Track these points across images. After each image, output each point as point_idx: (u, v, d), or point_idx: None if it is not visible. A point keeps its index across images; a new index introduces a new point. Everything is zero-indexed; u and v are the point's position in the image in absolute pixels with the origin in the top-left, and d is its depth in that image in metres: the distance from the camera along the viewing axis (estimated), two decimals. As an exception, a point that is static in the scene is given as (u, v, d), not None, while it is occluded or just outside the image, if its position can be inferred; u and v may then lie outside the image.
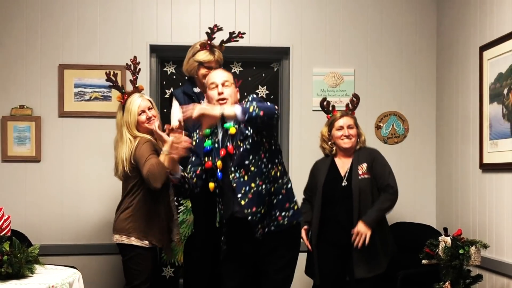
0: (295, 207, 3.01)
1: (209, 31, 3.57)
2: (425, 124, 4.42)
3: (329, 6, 4.37)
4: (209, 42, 3.57)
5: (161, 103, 4.43)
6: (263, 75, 4.52)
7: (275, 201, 2.93)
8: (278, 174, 2.95)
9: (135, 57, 3.58)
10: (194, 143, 3.03)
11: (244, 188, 2.86)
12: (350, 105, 3.65)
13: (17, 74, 4.17)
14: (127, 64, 3.59)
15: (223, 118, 2.83)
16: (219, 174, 2.91)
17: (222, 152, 2.91)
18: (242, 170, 2.87)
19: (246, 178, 2.87)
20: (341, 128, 3.48)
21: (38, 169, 4.16)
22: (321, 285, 3.49)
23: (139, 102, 3.35)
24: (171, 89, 4.46)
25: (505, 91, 3.40)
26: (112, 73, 3.50)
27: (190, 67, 3.59)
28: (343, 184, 3.44)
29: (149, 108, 3.37)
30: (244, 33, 3.65)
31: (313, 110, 4.33)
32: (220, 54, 3.58)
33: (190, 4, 4.30)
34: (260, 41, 4.32)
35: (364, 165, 3.44)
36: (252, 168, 2.87)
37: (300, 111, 4.33)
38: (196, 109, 2.70)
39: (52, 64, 4.19)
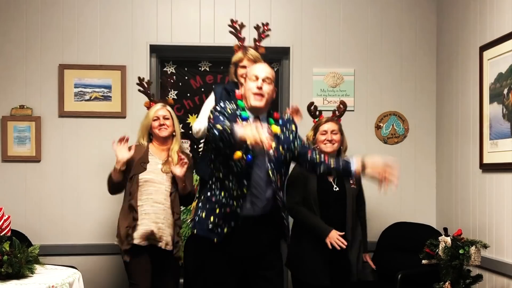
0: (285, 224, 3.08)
1: (233, 30, 3.61)
2: (425, 124, 4.42)
3: (329, 6, 4.37)
4: (240, 43, 3.60)
5: (161, 103, 4.44)
6: (263, 75, 4.51)
7: (283, 215, 2.99)
8: None
9: (171, 73, 3.72)
10: (223, 111, 2.84)
11: (275, 195, 2.90)
12: (337, 112, 3.74)
13: (17, 74, 4.17)
14: (165, 76, 3.77)
15: (270, 112, 2.93)
16: (249, 156, 2.76)
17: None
18: (278, 175, 2.89)
19: (279, 185, 2.91)
20: (325, 132, 3.57)
21: (38, 169, 4.16)
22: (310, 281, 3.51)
23: (157, 109, 3.57)
24: (172, 90, 4.46)
25: (505, 91, 3.40)
26: (146, 79, 3.75)
27: (231, 73, 3.62)
28: (334, 189, 3.51)
29: (165, 117, 3.54)
30: (267, 23, 3.69)
31: (313, 110, 4.32)
32: (254, 52, 3.56)
33: (190, 4, 4.29)
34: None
35: None
36: (283, 179, 2.95)
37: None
38: None
39: (52, 64, 4.19)
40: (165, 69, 4.45)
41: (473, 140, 3.79)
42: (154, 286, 3.50)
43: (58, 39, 4.20)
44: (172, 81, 3.73)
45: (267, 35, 3.70)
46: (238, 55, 3.55)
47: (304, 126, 4.15)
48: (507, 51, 3.37)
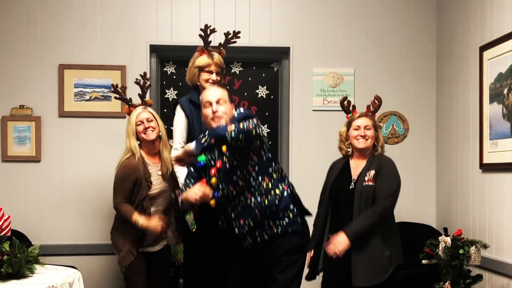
0: (291, 216, 2.95)
1: (202, 33, 3.57)
2: (425, 124, 4.42)
3: (329, 6, 4.37)
4: (206, 46, 3.56)
5: (161, 103, 4.44)
6: (263, 75, 4.52)
7: (268, 212, 2.92)
8: (270, 185, 2.93)
9: (145, 73, 3.68)
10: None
11: (233, 202, 2.92)
12: (371, 107, 3.61)
13: (17, 74, 4.17)
14: (137, 79, 3.67)
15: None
16: (216, 193, 2.90)
17: (213, 171, 2.92)
18: (230, 186, 2.91)
19: (234, 193, 2.91)
20: (358, 128, 3.39)
21: (38, 169, 4.16)
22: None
23: (138, 112, 3.47)
24: (171, 89, 4.46)
25: (505, 91, 3.40)
26: (120, 86, 3.64)
27: (191, 75, 3.57)
28: (350, 187, 3.32)
29: (148, 120, 3.45)
30: (239, 32, 3.64)
31: (313, 110, 4.33)
32: (219, 57, 3.54)
33: (190, 4, 4.30)
34: (260, 41, 4.32)
35: (372, 172, 3.29)
36: (241, 183, 2.90)
37: (300, 111, 4.33)
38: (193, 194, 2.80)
39: (52, 64, 4.19)
40: (165, 69, 4.45)
41: (473, 140, 3.79)
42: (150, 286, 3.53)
43: (58, 39, 4.20)
44: (121, 90, 3.63)
45: (234, 42, 3.65)
46: (205, 59, 3.49)
47: (317, 122, 4.22)
48: (507, 51, 3.37)
